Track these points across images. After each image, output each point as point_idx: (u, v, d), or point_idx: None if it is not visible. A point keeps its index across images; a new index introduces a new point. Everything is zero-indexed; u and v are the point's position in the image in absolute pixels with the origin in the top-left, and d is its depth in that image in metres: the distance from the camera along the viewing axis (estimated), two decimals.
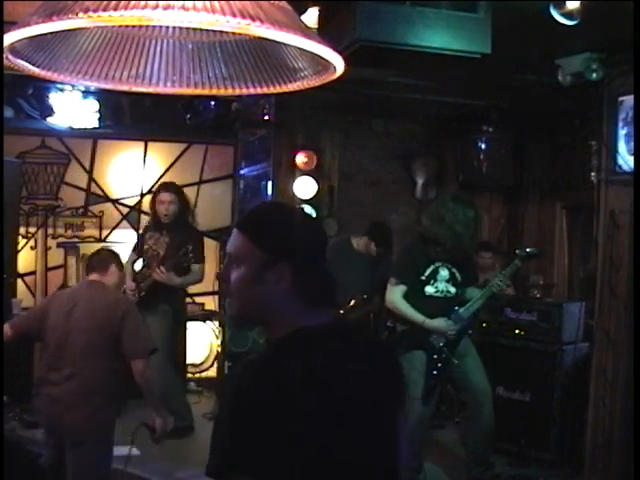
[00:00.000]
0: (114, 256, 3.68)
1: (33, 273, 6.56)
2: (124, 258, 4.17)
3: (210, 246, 6.85)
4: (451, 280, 4.32)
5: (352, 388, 1.48)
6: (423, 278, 4.27)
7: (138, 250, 5.27)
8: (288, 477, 1.38)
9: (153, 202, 5.19)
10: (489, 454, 4.50)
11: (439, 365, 4.22)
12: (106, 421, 3.36)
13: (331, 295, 1.56)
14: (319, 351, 1.46)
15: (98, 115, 6.32)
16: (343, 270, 4.76)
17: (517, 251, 4.48)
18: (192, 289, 6.44)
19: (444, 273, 4.30)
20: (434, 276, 4.29)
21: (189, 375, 6.41)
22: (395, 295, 4.30)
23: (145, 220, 5.93)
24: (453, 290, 4.32)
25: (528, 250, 4.50)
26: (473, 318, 4.39)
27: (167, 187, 5.21)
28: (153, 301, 4.94)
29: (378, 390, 1.54)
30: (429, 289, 4.29)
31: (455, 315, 4.26)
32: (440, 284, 4.30)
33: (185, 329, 6.02)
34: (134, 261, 5.23)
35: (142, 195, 6.79)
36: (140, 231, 5.69)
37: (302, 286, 1.48)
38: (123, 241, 6.18)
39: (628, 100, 4.11)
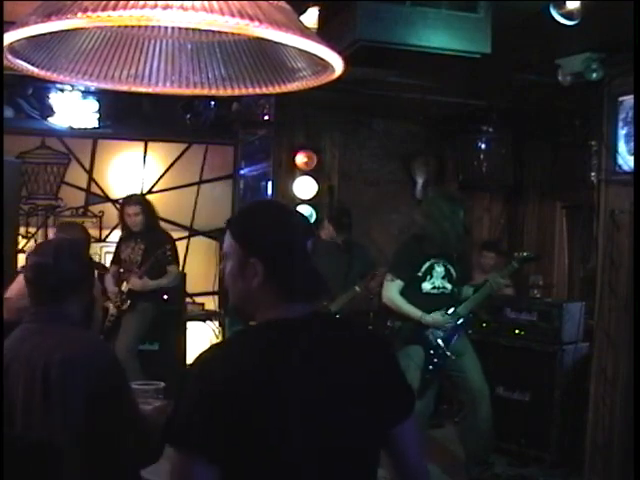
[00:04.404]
0: None
1: None
2: None
3: (210, 246, 6.87)
4: (447, 276, 4.34)
5: (318, 380, 1.49)
6: (419, 274, 4.30)
7: (116, 260, 5.46)
8: (247, 464, 1.43)
9: (121, 215, 5.41)
10: (488, 454, 4.51)
11: (436, 360, 4.24)
12: None
13: (311, 290, 1.59)
14: (281, 342, 1.50)
15: (98, 115, 6.32)
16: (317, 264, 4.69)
17: (515, 254, 4.53)
18: (192, 289, 6.44)
19: (440, 269, 4.32)
20: (430, 272, 4.31)
21: None
22: (392, 291, 4.32)
23: None
24: (449, 287, 4.34)
25: (525, 254, 4.58)
26: (470, 316, 4.40)
27: (131, 200, 5.40)
28: (134, 301, 5.21)
29: (354, 383, 1.54)
30: (426, 285, 4.31)
31: (452, 312, 4.28)
32: (436, 280, 4.32)
33: (185, 329, 6.02)
34: (115, 271, 5.42)
35: (142, 195, 6.78)
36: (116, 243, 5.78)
37: (275, 282, 1.54)
38: None
39: (628, 100, 4.11)
